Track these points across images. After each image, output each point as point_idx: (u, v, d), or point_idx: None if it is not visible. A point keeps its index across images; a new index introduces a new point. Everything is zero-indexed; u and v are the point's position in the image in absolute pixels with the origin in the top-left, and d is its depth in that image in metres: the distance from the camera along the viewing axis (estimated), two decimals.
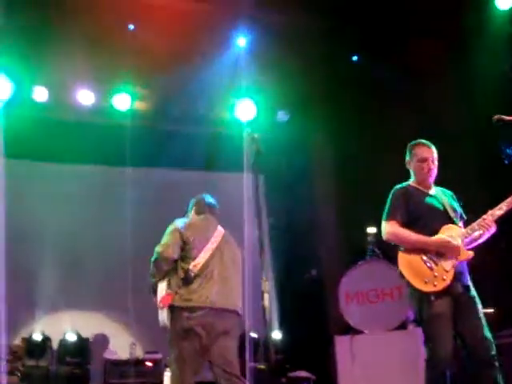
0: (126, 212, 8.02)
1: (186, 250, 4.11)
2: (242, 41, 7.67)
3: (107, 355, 7.79)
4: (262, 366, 7.40)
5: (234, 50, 7.67)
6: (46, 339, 7.67)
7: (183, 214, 4.53)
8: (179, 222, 4.24)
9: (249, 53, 7.58)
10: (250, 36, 7.57)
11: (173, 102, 8.24)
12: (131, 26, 7.25)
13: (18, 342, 7.62)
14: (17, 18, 6.61)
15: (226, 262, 4.22)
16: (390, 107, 7.42)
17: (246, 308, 7.65)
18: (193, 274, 4.03)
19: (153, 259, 4.09)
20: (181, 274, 4.07)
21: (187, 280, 4.03)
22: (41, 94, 7.73)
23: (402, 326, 5.69)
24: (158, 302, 4.02)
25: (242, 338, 7.87)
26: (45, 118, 7.98)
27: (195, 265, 4.05)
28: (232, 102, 8.31)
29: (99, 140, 7.90)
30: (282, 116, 8.53)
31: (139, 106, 8.23)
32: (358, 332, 5.75)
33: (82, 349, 7.79)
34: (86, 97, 7.90)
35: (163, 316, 4.00)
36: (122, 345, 7.83)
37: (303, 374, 7.31)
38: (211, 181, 8.69)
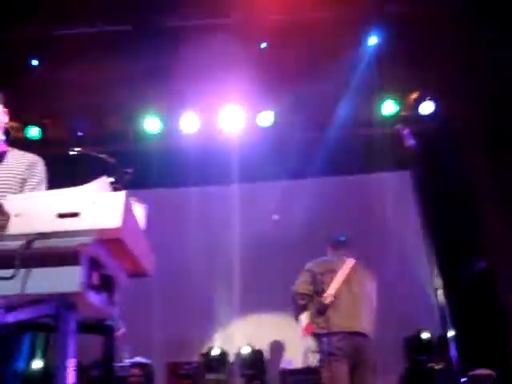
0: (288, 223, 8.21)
1: (317, 285, 4.87)
2: (373, 39, 7.58)
3: (282, 365, 7.98)
4: (440, 366, 7.19)
5: (366, 50, 7.60)
6: (224, 354, 8.04)
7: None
8: (312, 262, 5.03)
9: (383, 49, 7.47)
10: (382, 33, 7.46)
11: (312, 111, 8.29)
12: (264, 44, 7.45)
13: (198, 358, 8.00)
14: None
15: (355, 291, 4.88)
16: None
17: (413, 308, 7.54)
18: (325, 305, 4.73)
19: (291, 296, 4.95)
20: (316, 305, 4.81)
21: (321, 310, 4.74)
22: (190, 121, 8.23)
23: None
24: (301, 332, 4.85)
25: (410, 339, 7.74)
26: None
27: (326, 296, 4.76)
28: (374, 101, 8.23)
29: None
30: (424, 109, 8.28)
31: (281, 119, 8.40)
32: None
33: (257, 360, 8.04)
34: (235, 115, 8.23)
35: (309, 342, 5.02)
36: (296, 354, 7.95)
37: (484, 371, 6.98)
38: (363, 182, 8.70)
